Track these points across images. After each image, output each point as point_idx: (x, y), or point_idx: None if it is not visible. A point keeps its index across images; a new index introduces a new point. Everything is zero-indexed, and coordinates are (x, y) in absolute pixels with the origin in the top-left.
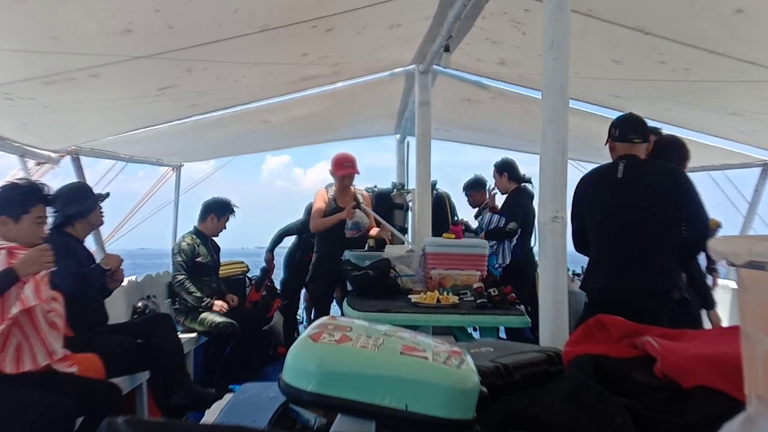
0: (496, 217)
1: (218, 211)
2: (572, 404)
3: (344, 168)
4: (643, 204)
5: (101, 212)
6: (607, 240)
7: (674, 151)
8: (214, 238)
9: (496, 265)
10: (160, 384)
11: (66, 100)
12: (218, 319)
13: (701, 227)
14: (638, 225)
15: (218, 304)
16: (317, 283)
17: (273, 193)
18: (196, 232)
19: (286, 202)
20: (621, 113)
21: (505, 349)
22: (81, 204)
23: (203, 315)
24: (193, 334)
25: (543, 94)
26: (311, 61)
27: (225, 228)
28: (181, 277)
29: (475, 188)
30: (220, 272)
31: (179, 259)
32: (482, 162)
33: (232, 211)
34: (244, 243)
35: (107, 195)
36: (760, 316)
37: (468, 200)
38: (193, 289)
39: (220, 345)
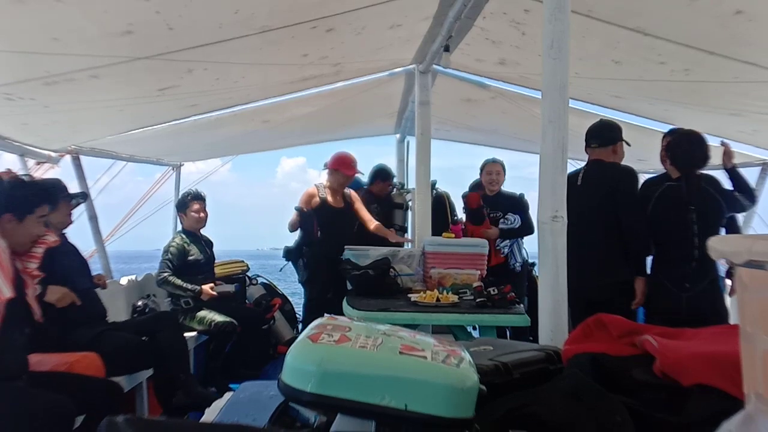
0: (511, 216)
1: (178, 205)
2: (572, 402)
3: (353, 168)
4: (594, 205)
5: (66, 213)
6: (570, 243)
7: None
8: (204, 232)
9: (516, 263)
10: (163, 383)
11: (66, 101)
12: (217, 318)
13: (631, 227)
14: (590, 226)
15: (206, 288)
16: (314, 283)
17: (288, 195)
18: (184, 231)
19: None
20: (620, 113)
21: (504, 348)
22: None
23: (203, 314)
24: (193, 333)
25: (543, 94)
26: (311, 61)
27: (202, 216)
28: (164, 274)
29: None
30: (220, 271)
31: (167, 257)
32: None
33: (194, 199)
34: (258, 245)
35: (81, 197)
36: (759, 315)
37: None
38: (179, 282)
39: (220, 344)
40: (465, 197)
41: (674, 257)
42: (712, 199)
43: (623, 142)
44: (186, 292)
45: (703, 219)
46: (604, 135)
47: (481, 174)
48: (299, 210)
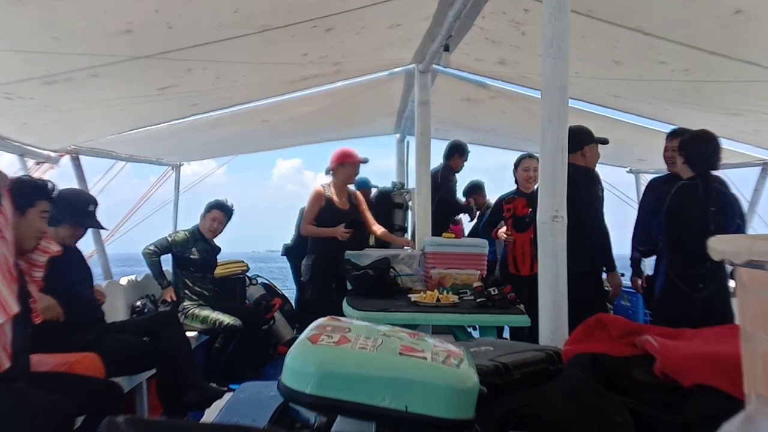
0: None
1: (204, 209)
2: (572, 403)
3: (356, 156)
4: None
5: (73, 235)
6: None
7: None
8: (216, 240)
9: None
10: (168, 383)
11: (66, 100)
12: (222, 317)
13: (588, 224)
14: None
15: (168, 292)
16: (313, 283)
17: (284, 197)
18: (198, 229)
19: (297, 205)
20: (620, 113)
21: (504, 348)
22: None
23: (206, 313)
24: (193, 333)
25: (542, 93)
26: (311, 60)
27: (216, 227)
28: (152, 248)
29: (474, 191)
30: (221, 271)
31: (167, 239)
32: (498, 165)
33: (216, 208)
34: (254, 246)
35: (98, 227)
36: (759, 315)
37: None
38: (157, 264)
39: (224, 343)
40: (505, 202)
41: (690, 257)
42: (727, 200)
43: (595, 145)
44: (155, 277)
45: (720, 219)
46: (571, 142)
47: (515, 171)
48: (355, 222)
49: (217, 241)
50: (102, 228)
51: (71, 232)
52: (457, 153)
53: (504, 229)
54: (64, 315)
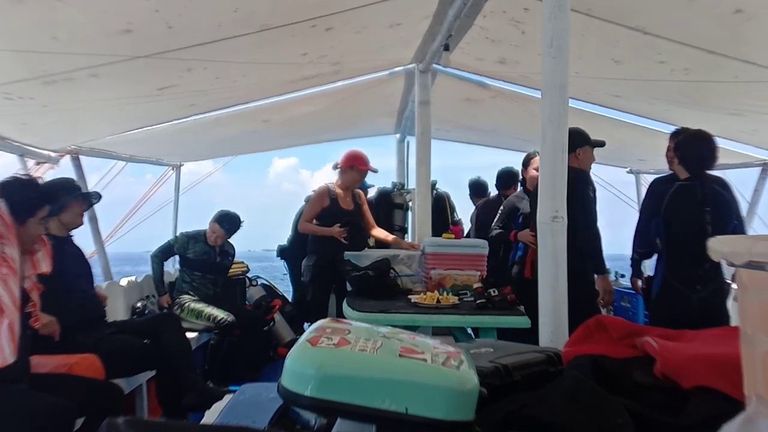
0: None
1: (212, 217)
2: (572, 404)
3: (367, 164)
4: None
5: (79, 213)
6: None
7: (691, 147)
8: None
9: None
10: (168, 384)
11: (66, 100)
12: (216, 312)
13: (585, 228)
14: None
15: (164, 299)
16: (314, 284)
17: (280, 196)
18: (203, 232)
19: (293, 204)
20: (620, 112)
21: (504, 350)
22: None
23: (200, 308)
24: (194, 334)
25: (542, 93)
26: (311, 60)
27: (215, 240)
28: (157, 253)
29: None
30: None
31: (169, 241)
32: (486, 163)
33: (217, 222)
34: (250, 245)
35: (95, 197)
36: (759, 317)
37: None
38: (158, 270)
39: (219, 340)
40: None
41: (687, 258)
42: (724, 201)
43: (590, 147)
44: (154, 281)
45: (718, 220)
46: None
47: (525, 169)
48: (352, 223)
49: None
50: (99, 195)
51: (79, 210)
52: (514, 183)
53: (527, 231)
54: (63, 312)
